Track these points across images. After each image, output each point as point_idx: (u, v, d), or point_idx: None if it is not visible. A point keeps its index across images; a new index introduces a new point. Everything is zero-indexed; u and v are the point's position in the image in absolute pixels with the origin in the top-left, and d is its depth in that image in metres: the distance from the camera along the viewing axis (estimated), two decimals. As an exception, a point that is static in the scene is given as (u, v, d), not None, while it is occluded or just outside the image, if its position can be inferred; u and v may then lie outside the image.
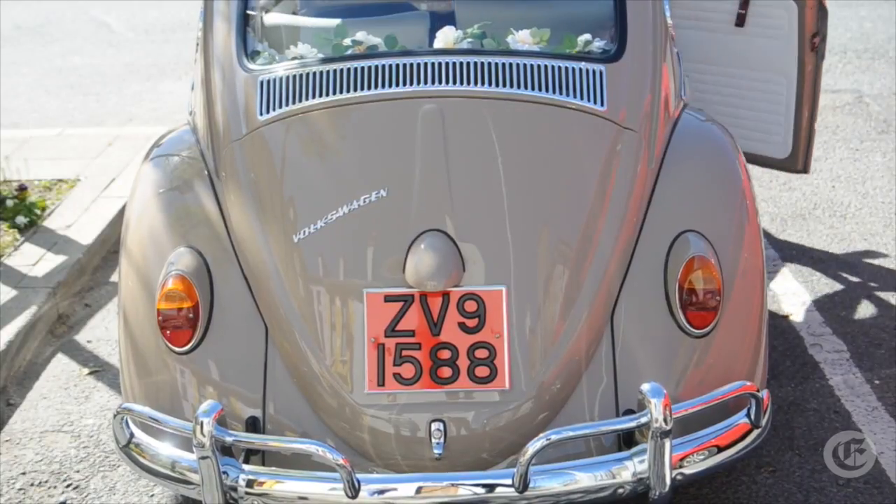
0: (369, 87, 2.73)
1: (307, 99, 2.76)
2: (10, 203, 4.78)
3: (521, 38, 2.92)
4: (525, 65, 2.76)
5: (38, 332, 4.00)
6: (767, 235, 4.08)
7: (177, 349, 2.57)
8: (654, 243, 2.63)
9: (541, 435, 2.30)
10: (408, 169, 2.60)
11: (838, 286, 4.14)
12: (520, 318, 2.48)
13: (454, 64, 2.75)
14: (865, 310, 3.95)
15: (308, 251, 2.57)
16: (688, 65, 4.09)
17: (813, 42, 3.96)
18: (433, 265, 2.45)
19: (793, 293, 4.10)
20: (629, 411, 2.45)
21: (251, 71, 2.88)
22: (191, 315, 2.56)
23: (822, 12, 3.98)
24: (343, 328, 2.50)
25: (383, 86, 2.73)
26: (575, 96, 2.74)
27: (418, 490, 2.34)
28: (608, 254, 2.57)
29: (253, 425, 2.50)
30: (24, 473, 3.21)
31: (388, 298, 2.49)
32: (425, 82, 2.72)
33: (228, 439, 2.34)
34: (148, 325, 2.63)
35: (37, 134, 6.13)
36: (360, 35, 2.98)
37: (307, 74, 2.79)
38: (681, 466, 2.45)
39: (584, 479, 2.37)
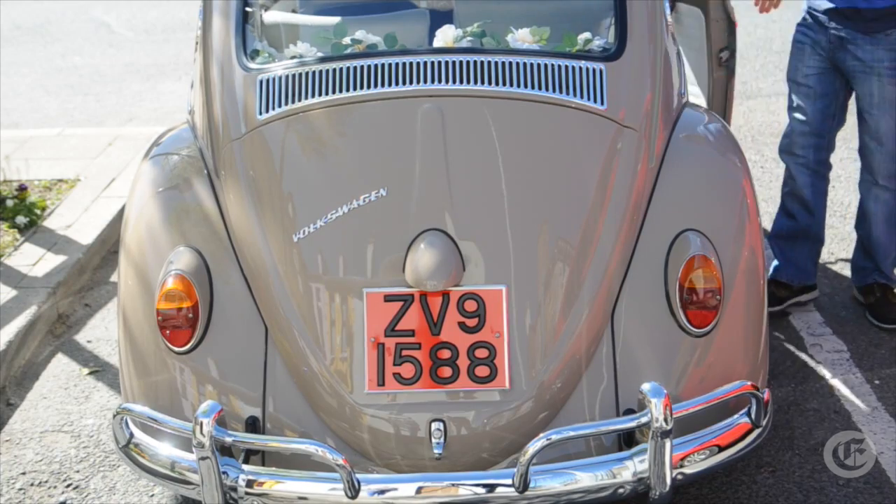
0: (369, 87, 2.73)
1: (306, 98, 2.76)
2: (10, 203, 4.78)
3: (521, 37, 2.91)
4: (525, 63, 2.76)
5: (38, 331, 4.00)
6: (768, 235, 4.07)
7: (176, 349, 2.57)
8: (654, 242, 2.63)
9: (541, 435, 2.30)
10: (407, 168, 2.60)
11: (838, 286, 4.14)
12: (520, 317, 2.48)
13: (454, 63, 2.75)
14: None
15: (308, 250, 2.57)
16: None
17: (720, 57, 3.99)
18: (433, 265, 2.45)
19: (793, 293, 4.09)
20: (630, 411, 2.45)
21: (250, 70, 2.88)
22: (190, 315, 2.55)
23: (730, 27, 3.97)
24: (343, 328, 2.50)
25: (383, 85, 2.73)
26: (575, 95, 2.73)
27: (418, 490, 2.34)
28: (608, 253, 2.56)
29: (253, 425, 2.50)
30: (24, 473, 3.21)
31: (388, 298, 2.49)
32: (425, 81, 2.72)
33: (228, 440, 2.34)
34: (147, 325, 2.63)
35: (37, 134, 6.13)
36: (360, 34, 2.98)
37: (306, 73, 2.79)
38: (681, 466, 2.45)
39: (584, 478, 2.37)
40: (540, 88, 2.73)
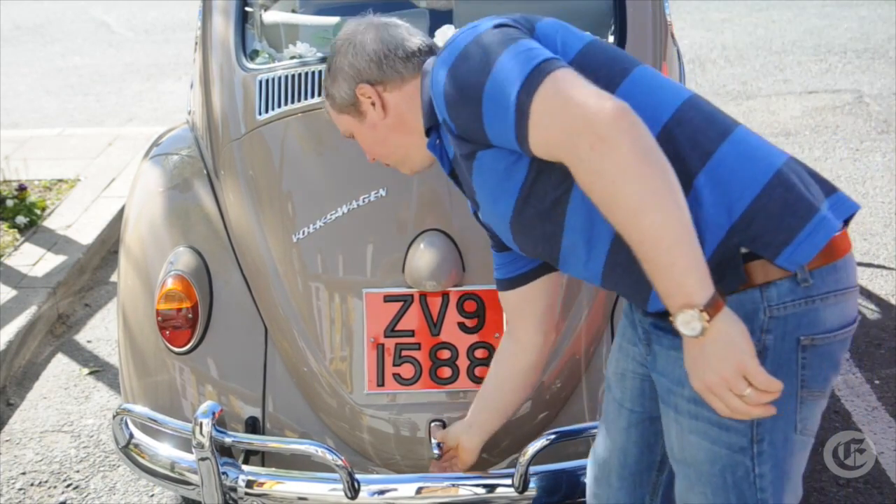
0: (369, 87, 2.72)
1: (306, 98, 2.75)
2: (10, 203, 4.78)
3: (521, 38, 2.91)
4: (525, 64, 2.75)
5: (38, 332, 4.00)
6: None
7: (176, 349, 2.57)
8: (654, 242, 2.62)
9: (541, 435, 2.29)
10: (407, 168, 2.59)
11: (839, 286, 4.13)
12: (520, 317, 2.47)
13: (454, 63, 2.73)
14: (865, 310, 3.94)
15: (307, 251, 2.57)
16: None
17: None
18: (432, 265, 2.45)
19: (793, 293, 4.08)
20: (629, 411, 2.44)
21: (250, 70, 2.88)
22: (190, 315, 2.55)
23: None
24: (342, 328, 2.50)
25: (383, 85, 2.72)
26: (575, 95, 2.72)
27: (418, 490, 2.34)
28: (608, 253, 2.56)
29: (252, 425, 2.50)
30: (24, 473, 3.21)
31: (388, 298, 2.49)
32: (425, 81, 2.71)
33: (228, 440, 2.34)
34: (147, 325, 2.63)
35: (37, 134, 6.14)
36: (360, 34, 2.97)
37: (306, 74, 2.79)
38: (681, 466, 2.45)
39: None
40: (540, 88, 2.71)
